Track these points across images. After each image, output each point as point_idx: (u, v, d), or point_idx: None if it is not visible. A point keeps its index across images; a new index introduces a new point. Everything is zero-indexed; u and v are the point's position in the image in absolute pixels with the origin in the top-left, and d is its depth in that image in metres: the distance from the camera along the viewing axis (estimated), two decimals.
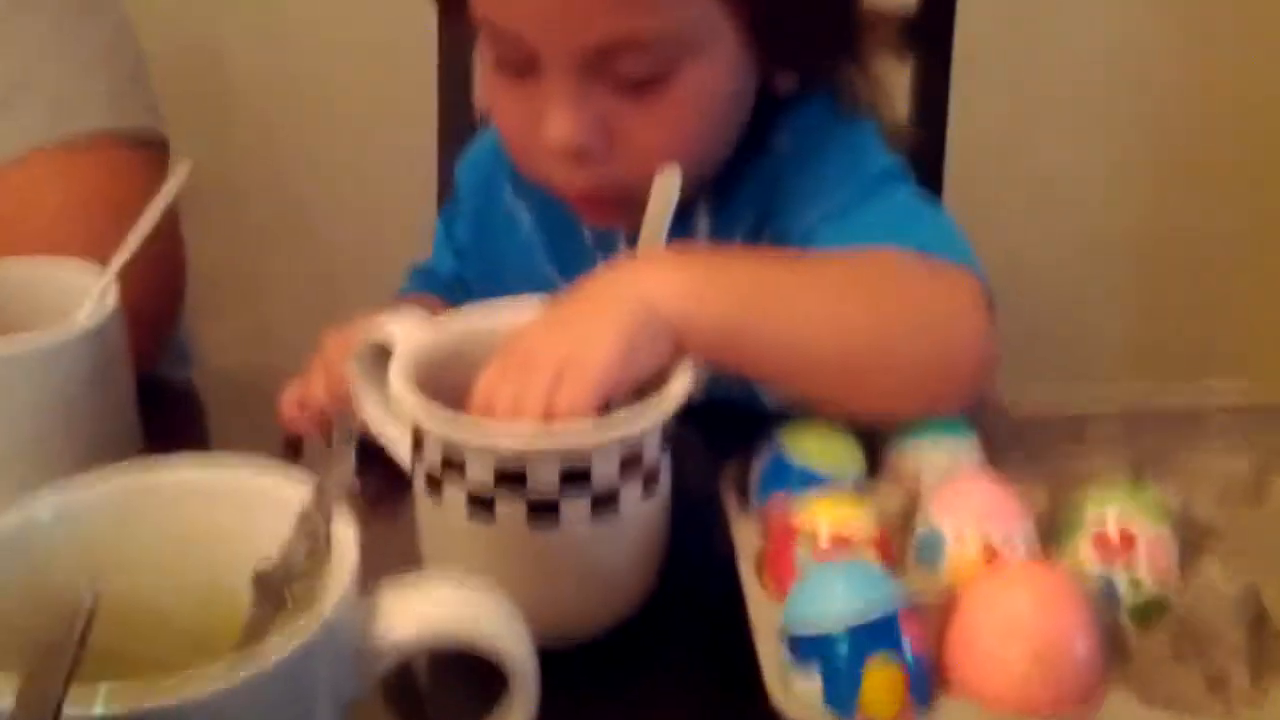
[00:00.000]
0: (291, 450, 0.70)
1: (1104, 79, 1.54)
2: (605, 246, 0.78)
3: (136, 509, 0.40)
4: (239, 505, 0.41)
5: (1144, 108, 1.57)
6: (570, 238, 0.79)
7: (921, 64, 1.04)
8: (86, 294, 0.62)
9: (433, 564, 0.54)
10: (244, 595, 0.39)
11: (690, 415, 0.53)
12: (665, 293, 0.56)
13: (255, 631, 0.38)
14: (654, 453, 0.52)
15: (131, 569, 0.39)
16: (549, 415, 0.50)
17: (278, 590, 0.38)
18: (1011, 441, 0.61)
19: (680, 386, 0.53)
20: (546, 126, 0.66)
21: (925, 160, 1.10)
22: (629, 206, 0.64)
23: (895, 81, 1.00)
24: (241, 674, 0.33)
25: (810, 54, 0.71)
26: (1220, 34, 1.51)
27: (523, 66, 0.66)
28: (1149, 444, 0.62)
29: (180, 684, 0.32)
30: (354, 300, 0.68)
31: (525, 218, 0.82)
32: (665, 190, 0.62)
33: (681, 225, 0.69)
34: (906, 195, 0.71)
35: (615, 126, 0.66)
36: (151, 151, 0.85)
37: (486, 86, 0.71)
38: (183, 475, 0.41)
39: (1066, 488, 0.56)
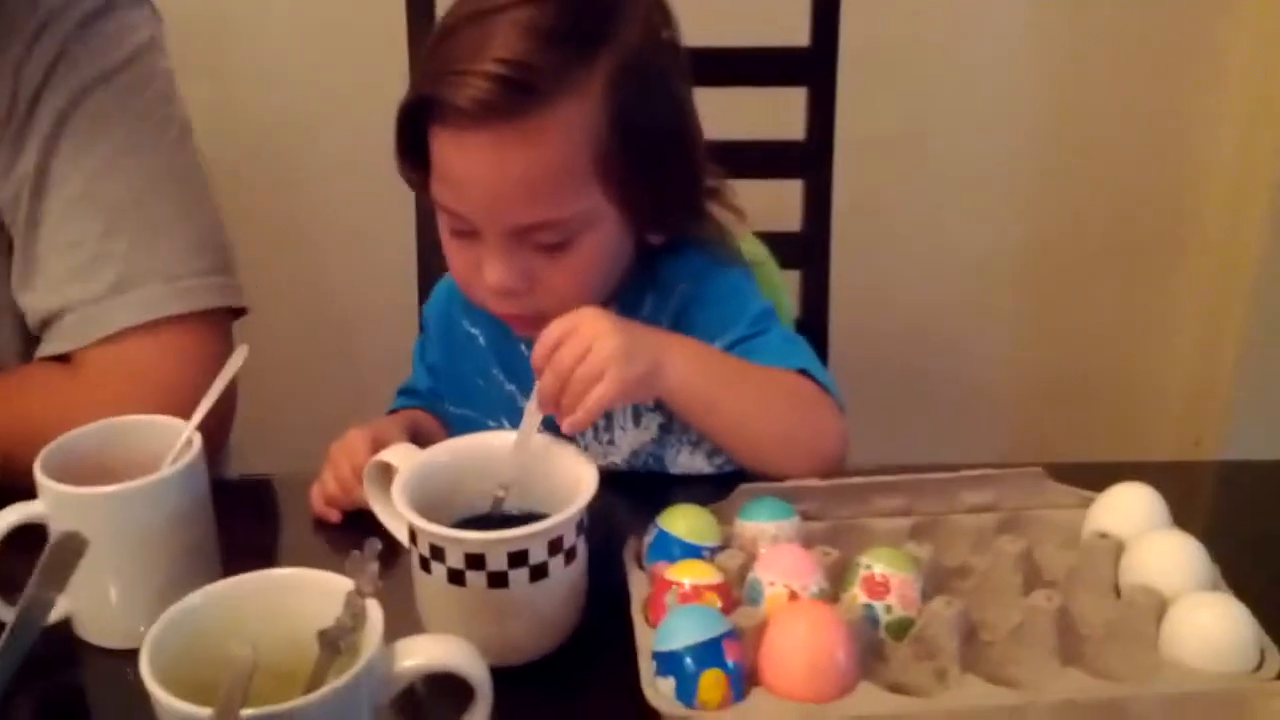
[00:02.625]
0: (319, 526, 0.97)
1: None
2: None
3: (249, 596, 0.67)
4: (310, 593, 0.67)
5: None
6: (512, 349, 1.08)
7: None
8: (172, 442, 0.84)
9: (424, 615, 0.80)
10: (312, 648, 0.65)
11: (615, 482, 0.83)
12: (679, 363, 0.90)
13: (320, 670, 0.64)
14: (571, 537, 0.79)
15: (246, 632, 0.64)
16: (584, 401, 0.85)
17: (334, 644, 0.64)
18: (825, 512, 0.88)
19: (587, 494, 0.79)
20: (485, 274, 0.95)
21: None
22: (546, 323, 0.90)
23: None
24: (325, 694, 0.59)
25: (668, 222, 1.01)
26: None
27: (468, 233, 0.95)
28: (922, 508, 0.89)
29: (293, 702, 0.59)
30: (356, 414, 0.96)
31: (480, 337, 1.10)
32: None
33: None
34: (780, 331, 1.02)
35: (535, 275, 0.95)
36: (215, 324, 1.08)
37: (444, 244, 1.00)
38: (275, 576, 0.68)
39: (853, 549, 0.82)
